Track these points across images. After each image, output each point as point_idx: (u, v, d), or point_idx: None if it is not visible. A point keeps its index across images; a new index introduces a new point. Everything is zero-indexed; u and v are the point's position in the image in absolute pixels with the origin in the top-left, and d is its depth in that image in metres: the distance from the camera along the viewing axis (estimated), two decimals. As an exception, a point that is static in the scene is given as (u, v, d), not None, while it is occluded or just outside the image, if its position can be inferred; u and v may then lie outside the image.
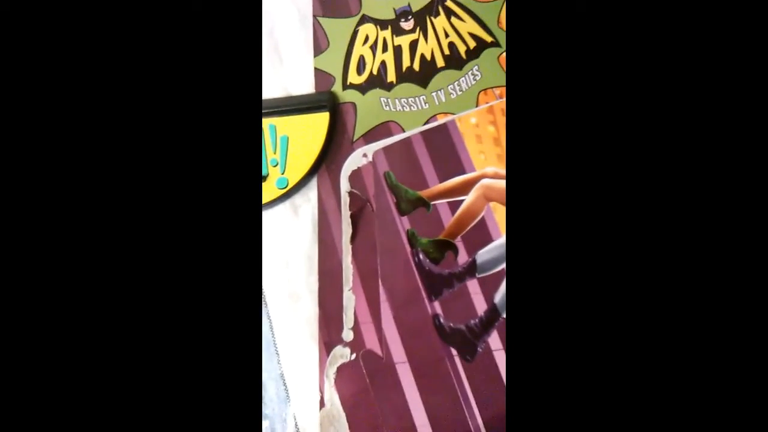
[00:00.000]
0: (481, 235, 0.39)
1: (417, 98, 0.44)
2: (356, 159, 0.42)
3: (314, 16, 0.47)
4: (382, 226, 0.41)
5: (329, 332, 0.40)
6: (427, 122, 0.43)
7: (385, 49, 0.45)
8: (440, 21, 0.45)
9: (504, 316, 0.37)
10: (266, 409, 0.41)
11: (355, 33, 0.46)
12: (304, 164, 0.44)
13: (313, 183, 0.44)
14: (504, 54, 0.43)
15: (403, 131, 0.43)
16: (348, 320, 0.40)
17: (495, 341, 0.37)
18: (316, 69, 0.46)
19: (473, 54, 0.43)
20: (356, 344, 0.39)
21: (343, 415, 0.38)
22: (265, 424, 0.41)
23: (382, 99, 0.44)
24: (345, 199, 0.42)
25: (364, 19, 0.46)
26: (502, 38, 0.43)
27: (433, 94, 0.43)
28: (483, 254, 0.39)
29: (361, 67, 0.45)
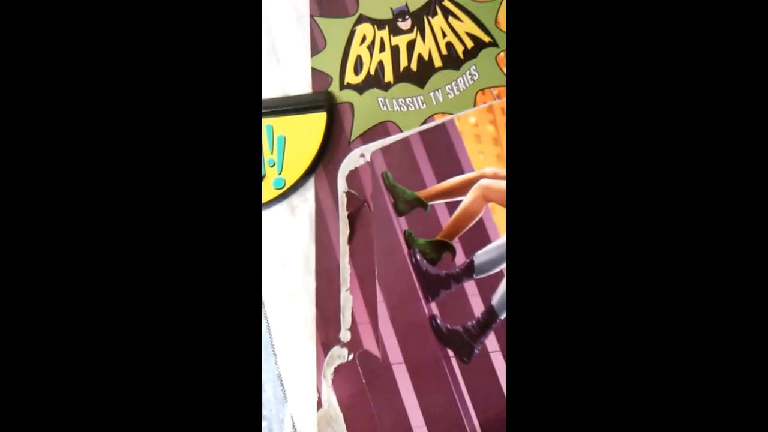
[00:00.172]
0: (479, 236, 0.39)
1: (414, 98, 0.43)
2: (353, 159, 0.42)
3: (311, 16, 0.47)
4: (379, 226, 0.41)
5: (326, 333, 0.40)
6: (424, 122, 0.43)
7: (382, 49, 0.45)
8: (438, 21, 0.44)
9: (501, 317, 0.37)
10: (264, 410, 0.41)
11: (352, 33, 0.46)
12: (301, 164, 0.43)
13: (311, 183, 0.44)
14: (502, 54, 0.43)
15: (401, 131, 0.43)
16: (345, 321, 0.40)
17: (492, 343, 0.37)
18: (313, 69, 0.46)
19: (471, 54, 0.43)
20: (353, 345, 0.39)
21: (340, 415, 0.38)
22: (263, 424, 0.41)
23: (379, 99, 0.44)
24: (342, 200, 0.42)
25: (362, 19, 0.46)
26: (499, 38, 0.43)
27: (431, 94, 0.43)
28: (481, 255, 0.39)
29: (358, 67, 0.45)
